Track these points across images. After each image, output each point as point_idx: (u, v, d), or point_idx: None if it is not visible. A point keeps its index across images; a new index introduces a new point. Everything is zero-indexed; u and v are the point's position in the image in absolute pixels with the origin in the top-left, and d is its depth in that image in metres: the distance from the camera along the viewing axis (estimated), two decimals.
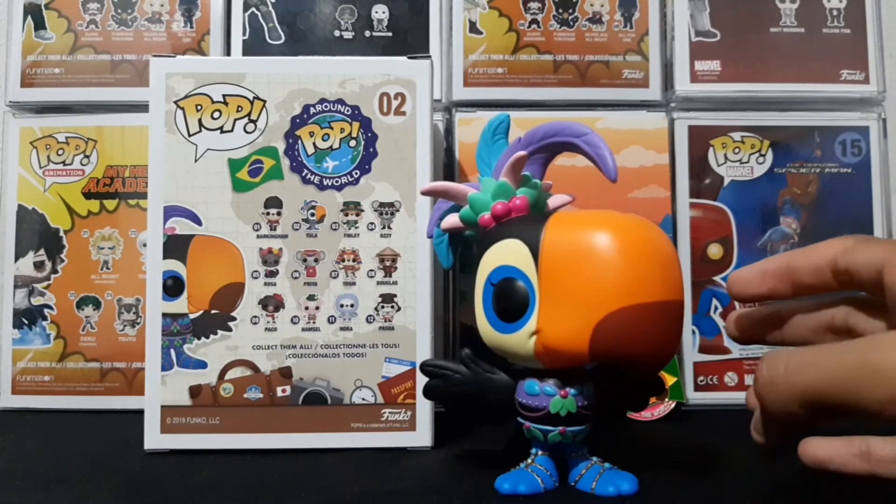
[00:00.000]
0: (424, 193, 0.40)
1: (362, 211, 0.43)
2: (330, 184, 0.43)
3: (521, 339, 0.33)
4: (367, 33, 0.56)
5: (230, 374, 0.42)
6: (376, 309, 0.43)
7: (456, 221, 0.38)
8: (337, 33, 0.55)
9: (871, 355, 0.26)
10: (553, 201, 0.38)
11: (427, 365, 0.37)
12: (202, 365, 0.42)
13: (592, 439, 0.35)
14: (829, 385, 0.27)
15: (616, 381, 0.34)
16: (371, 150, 0.43)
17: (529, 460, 0.35)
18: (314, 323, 0.42)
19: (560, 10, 0.56)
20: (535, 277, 0.33)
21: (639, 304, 0.31)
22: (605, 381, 0.34)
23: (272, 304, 0.42)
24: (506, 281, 0.34)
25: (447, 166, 0.53)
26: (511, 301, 0.34)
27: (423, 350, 0.42)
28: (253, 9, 0.56)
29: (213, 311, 0.42)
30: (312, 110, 0.43)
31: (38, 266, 0.53)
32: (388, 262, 0.43)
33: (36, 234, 0.53)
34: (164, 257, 0.42)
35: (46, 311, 0.53)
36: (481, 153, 0.39)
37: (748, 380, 0.53)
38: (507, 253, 0.34)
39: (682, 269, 0.33)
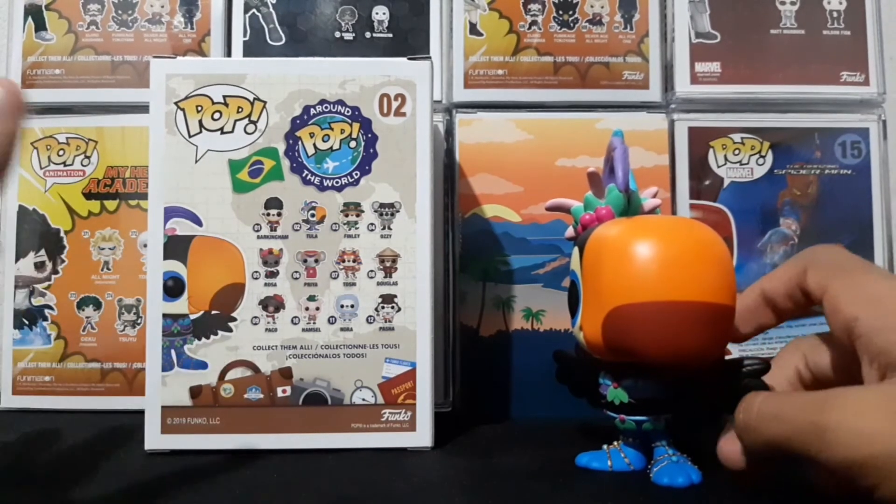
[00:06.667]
0: (548, 209, 0.43)
1: (362, 212, 0.43)
2: (330, 184, 0.43)
3: (577, 333, 0.37)
4: (368, 34, 0.56)
5: (230, 375, 0.42)
6: (376, 309, 0.43)
7: (571, 232, 0.42)
8: (337, 34, 0.56)
9: (824, 416, 0.26)
10: (646, 205, 0.40)
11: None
12: (202, 365, 0.42)
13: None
14: (789, 439, 0.27)
15: (694, 380, 0.34)
16: (371, 150, 0.43)
17: (615, 443, 0.38)
18: (314, 323, 0.42)
19: (560, 12, 0.56)
20: (581, 277, 0.36)
21: (637, 302, 0.32)
22: (679, 380, 0.35)
23: (272, 304, 0.42)
24: (571, 283, 0.38)
25: (447, 167, 0.53)
26: (570, 300, 0.38)
27: (424, 350, 0.42)
28: (253, 10, 0.56)
29: (213, 312, 0.42)
30: (313, 111, 0.43)
31: (39, 266, 0.53)
32: (389, 263, 0.43)
33: (36, 235, 0.53)
34: (165, 258, 0.42)
35: (47, 311, 0.53)
36: None
37: None
38: (573, 258, 0.38)
39: (722, 271, 0.33)
